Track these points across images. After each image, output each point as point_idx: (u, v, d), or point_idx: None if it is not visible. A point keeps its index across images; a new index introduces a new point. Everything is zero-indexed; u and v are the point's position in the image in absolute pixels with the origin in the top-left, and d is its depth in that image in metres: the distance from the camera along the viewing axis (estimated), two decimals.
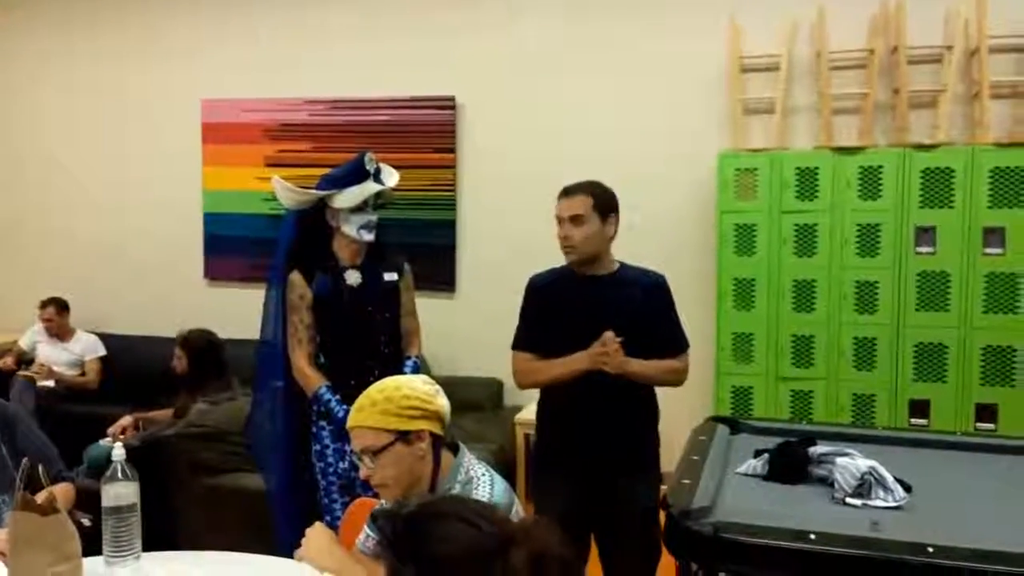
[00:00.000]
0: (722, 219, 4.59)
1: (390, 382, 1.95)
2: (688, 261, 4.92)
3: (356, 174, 2.96)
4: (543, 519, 1.26)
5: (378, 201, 3.01)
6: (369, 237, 2.99)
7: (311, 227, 3.02)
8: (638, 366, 2.70)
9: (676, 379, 2.86)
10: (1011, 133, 4.44)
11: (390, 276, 3.09)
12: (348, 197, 2.93)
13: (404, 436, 1.86)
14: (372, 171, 2.97)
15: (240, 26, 5.70)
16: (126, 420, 4.19)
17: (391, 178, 3.08)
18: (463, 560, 1.17)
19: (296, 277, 2.98)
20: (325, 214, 3.00)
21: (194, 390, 4.12)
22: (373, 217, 2.98)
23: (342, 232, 2.99)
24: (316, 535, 1.99)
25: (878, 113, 4.62)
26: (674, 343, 2.85)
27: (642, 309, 2.76)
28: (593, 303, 2.75)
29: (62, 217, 6.13)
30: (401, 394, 1.89)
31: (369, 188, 2.95)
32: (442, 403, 1.94)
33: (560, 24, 5.13)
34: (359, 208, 2.94)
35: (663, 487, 2.61)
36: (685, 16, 4.93)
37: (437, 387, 1.96)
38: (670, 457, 2.89)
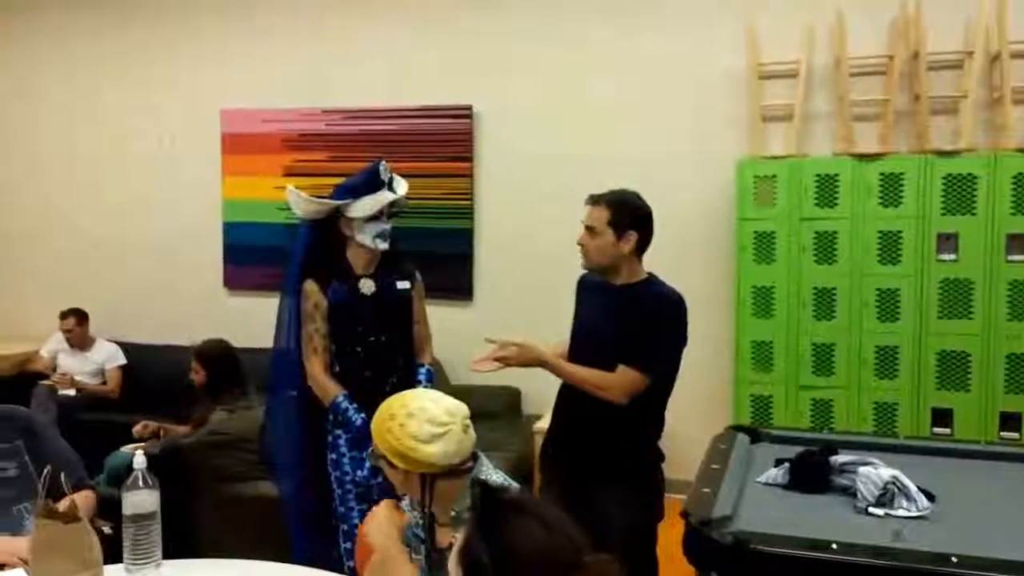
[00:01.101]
0: (741, 226, 4.57)
1: (399, 407, 1.87)
2: (707, 268, 4.90)
3: (372, 183, 2.96)
4: (610, 556, 1.29)
5: (392, 210, 3.02)
6: (384, 246, 3.00)
7: (325, 236, 3.02)
8: (568, 368, 2.71)
9: (603, 391, 2.64)
10: None
11: (403, 285, 3.10)
12: (364, 207, 2.93)
13: (389, 462, 1.88)
14: (387, 180, 2.98)
15: (259, 37, 5.74)
16: (151, 423, 4.23)
17: (402, 187, 3.09)
18: (526, 558, 1.24)
19: (311, 286, 2.98)
20: (339, 223, 3.01)
21: (213, 400, 4.14)
22: (387, 226, 2.99)
23: (356, 241, 2.99)
24: (382, 511, 1.93)
25: (898, 119, 4.59)
26: (625, 352, 2.65)
27: (637, 324, 2.69)
28: (596, 310, 2.80)
29: (81, 227, 6.19)
30: (387, 426, 1.85)
31: (385, 197, 2.95)
32: (432, 451, 1.81)
33: (577, 32, 5.14)
34: (374, 217, 2.95)
35: (672, 500, 2.58)
36: (703, 23, 4.93)
37: (447, 427, 1.83)
38: (690, 467, 2.87)
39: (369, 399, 2.78)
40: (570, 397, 2.79)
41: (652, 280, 2.80)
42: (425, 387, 3.00)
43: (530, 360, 2.70)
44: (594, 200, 2.77)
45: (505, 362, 2.67)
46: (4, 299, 6.37)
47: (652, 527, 2.79)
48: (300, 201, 3.00)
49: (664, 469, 2.84)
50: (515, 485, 1.97)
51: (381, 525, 1.91)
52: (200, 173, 5.86)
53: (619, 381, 2.65)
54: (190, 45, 5.90)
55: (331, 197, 3.00)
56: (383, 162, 3.00)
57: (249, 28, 5.77)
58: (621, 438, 2.71)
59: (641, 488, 2.75)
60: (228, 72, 5.82)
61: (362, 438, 2.87)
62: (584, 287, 2.96)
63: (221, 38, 5.84)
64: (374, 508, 1.96)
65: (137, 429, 4.19)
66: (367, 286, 3.02)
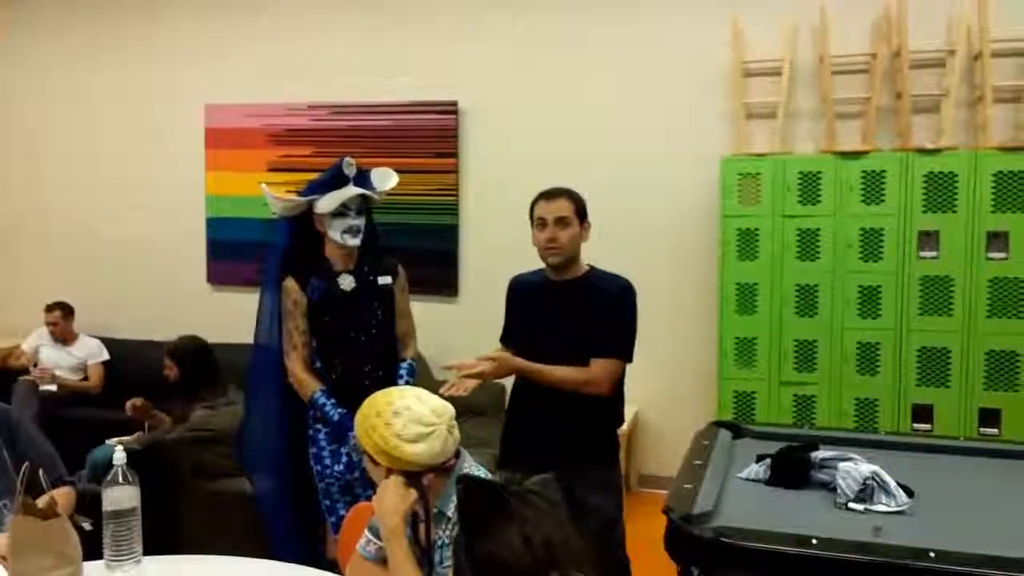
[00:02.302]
0: (725, 223, 4.58)
1: (384, 405, 1.87)
2: (690, 266, 4.93)
3: (336, 179, 2.98)
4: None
5: (364, 205, 3.01)
6: (353, 242, 2.99)
7: (304, 233, 3.04)
8: (548, 371, 2.71)
9: (583, 386, 2.71)
10: (1014, 137, 4.44)
11: (384, 280, 3.11)
12: (327, 202, 2.95)
13: (372, 458, 1.89)
14: (351, 175, 2.99)
15: (243, 31, 5.72)
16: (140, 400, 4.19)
17: (386, 181, 3.08)
18: (496, 567, 1.26)
19: (290, 284, 3.00)
20: (314, 220, 3.01)
21: (190, 397, 4.10)
22: (355, 221, 2.98)
23: (329, 237, 3.00)
24: (392, 487, 1.85)
25: (881, 117, 4.61)
26: (600, 345, 2.74)
27: (603, 314, 2.77)
28: (560, 308, 2.82)
29: (65, 222, 6.14)
30: (371, 423, 1.85)
31: (346, 192, 2.96)
32: (417, 451, 1.82)
33: (562, 28, 5.14)
34: (341, 213, 2.96)
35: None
36: (687, 20, 4.94)
37: (434, 427, 1.83)
38: (672, 462, 2.89)
39: (349, 394, 2.79)
40: (534, 395, 2.80)
41: (598, 270, 2.89)
42: (407, 383, 3.00)
43: (509, 370, 2.74)
44: (554, 194, 2.84)
45: (483, 378, 2.66)
46: None
47: (621, 517, 2.87)
48: (273, 199, 3.04)
49: (642, 464, 2.87)
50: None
51: (396, 503, 1.83)
52: (184, 168, 5.82)
53: (602, 373, 2.72)
54: (174, 39, 5.86)
55: (301, 193, 3.02)
56: (346, 158, 3.01)
57: (234, 22, 5.74)
58: (593, 428, 2.80)
59: (614, 478, 2.85)
60: (212, 66, 5.78)
61: (339, 433, 2.88)
62: (522, 289, 2.99)
63: (205, 32, 5.81)
64: (384, 481, 1.88)
65: (129, 404, 4.15)
66: (346, 282, 3.03)
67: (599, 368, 2.73)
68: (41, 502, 1.92)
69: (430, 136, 5.35)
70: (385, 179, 3.08)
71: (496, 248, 5.29)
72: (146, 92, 5.92)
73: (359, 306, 3.03)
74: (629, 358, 2.82)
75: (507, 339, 3.02)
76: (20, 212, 6.25)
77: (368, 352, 3.02)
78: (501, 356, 2.74)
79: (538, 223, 2.82)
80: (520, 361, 2.74)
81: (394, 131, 5.40)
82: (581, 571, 1.29)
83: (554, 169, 5.01)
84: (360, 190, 2.97)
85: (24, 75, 6.18)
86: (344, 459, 2.92)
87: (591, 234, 2.89)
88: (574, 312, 2.77)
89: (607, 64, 5.08)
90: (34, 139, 6.20)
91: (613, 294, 2.80)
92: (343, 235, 2.97)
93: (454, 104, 5.31)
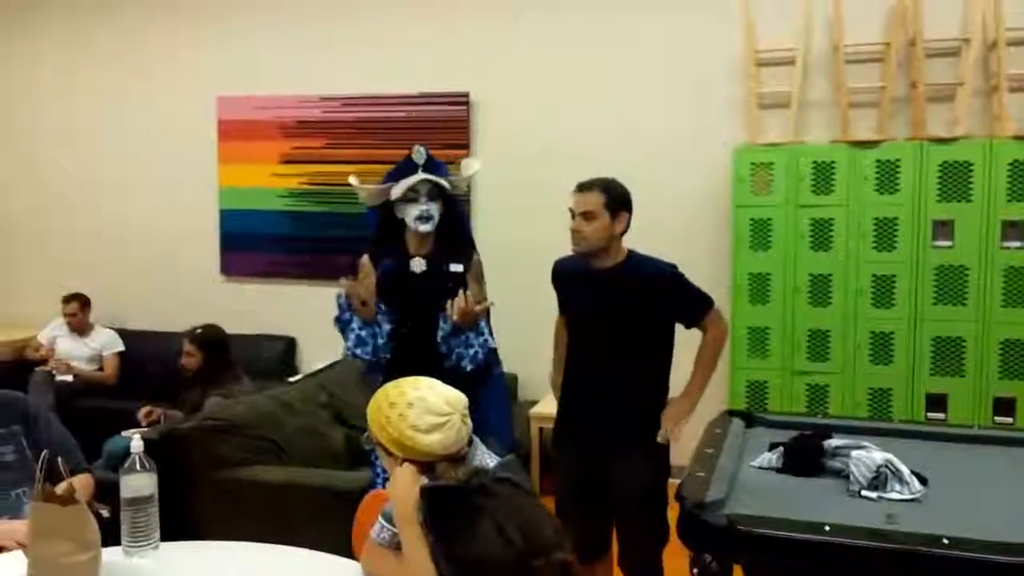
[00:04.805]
0: (738, 214, 4.57)
1: (397, 396, 1.87)
2: (703, 256, 4.90)
3: (405, 167, 3.07)
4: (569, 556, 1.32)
5: (437, 192, 3.06)
6: (425, 227, 3.05)
7: (388, 221, 3.14)
8: (695, 392, 2.94)
9: (719, 346, 2.98)
10: None
11: (455, 267, 3.14)
12: (397, 189, 3.04)
13: (385, 449, 1.89)
14: (420, 162, 3.05)
15: (256, 23, 5.72)
16: (156, 409, 4.26)
17: (466, 168, 3.23)
18: (475, 563, 1.25)
19: (364, 260, 3.16)
20: (395, 207, 3.10)
21: (208, 385, 4.14)
22: (426, 207, 3.04)
23: (406, 223, 3.08)
24: (405, 473, 1.84)
25: (895, 107, 4.59)
26: (697, 310, 2.95)
27: (648, 298, 2.87)
28: (607, 294, 2.90)
29: (79, 214, 6.17)
30: (386, 415, 1.85)
31: (413, 179, 3.02)
32: (432, 441, 1.82)
33: (573, 19, 5.13)
34: (412, 199, 3.03)
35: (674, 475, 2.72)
36: (699, 10, 4.92)
37: (447, 418, 1.83)
38: (686, 451, 2.90)
39: (414, 370, 2.79)
40: (585, 368, 2.96)
41: (637, 255, 2.98)
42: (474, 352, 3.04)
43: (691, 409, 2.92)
44: (585, 187, 2.91)
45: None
46: (2, 285, 6.37)
47: (665, 486, 2.95)
48: (357, 189, 3.19)
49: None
50: (508, 457, 1.97)
51: (409, 488, 1.77)
52: (197, 160, 5.84)
53: (716, 329, 2.96)
54: (187, 30, 5.88)
55: (380, 183, 3.13)
56: (417, 145, 3.09)
57: (246, 14, 5.75)
58: (639, 402, 2.90)
59: (656, 449, 2.91)
60: (225, 58, 5.79)
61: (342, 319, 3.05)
62: (566, 273, 3.09)
63: (218, 24, 5.81)
64: (396, 469, 1.87)
65: (143, 413, 4.21)
66: (417, 264, 3.10)
67: (711, 326, 2.94)
68: (60, 489, 1.94)
69: (442, 127, 5.34)
70: (465, 167, 3.21)
71: (507, 239, 5.29)
72: (160, 85, 5.93)
73: (426, 289, 3.06)
74: (711, 301, 2.97)
75: (561, 309, 3.17)
76: (35, 204, 6.28)
77: (429, 333, 3.03)
78: (680, 405, 2.90)
79: (570, 212, 2.91)
80: (690, 399, 2.92)
81: (406, 122, 5.40)
82: (562, 550, 1.28)
83: (564, 160, 5.00)
84: (426, 176, 3.02)
85: (36, 70, 6.20)
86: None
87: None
88: (622, 297, 2.86)
89: (618, 55, 5.06)
90: (46, 134, 6.22)
91: (665, 277, 2.92)
92: (415, 221, 3.04)
93: (465, 96, 5.31)
